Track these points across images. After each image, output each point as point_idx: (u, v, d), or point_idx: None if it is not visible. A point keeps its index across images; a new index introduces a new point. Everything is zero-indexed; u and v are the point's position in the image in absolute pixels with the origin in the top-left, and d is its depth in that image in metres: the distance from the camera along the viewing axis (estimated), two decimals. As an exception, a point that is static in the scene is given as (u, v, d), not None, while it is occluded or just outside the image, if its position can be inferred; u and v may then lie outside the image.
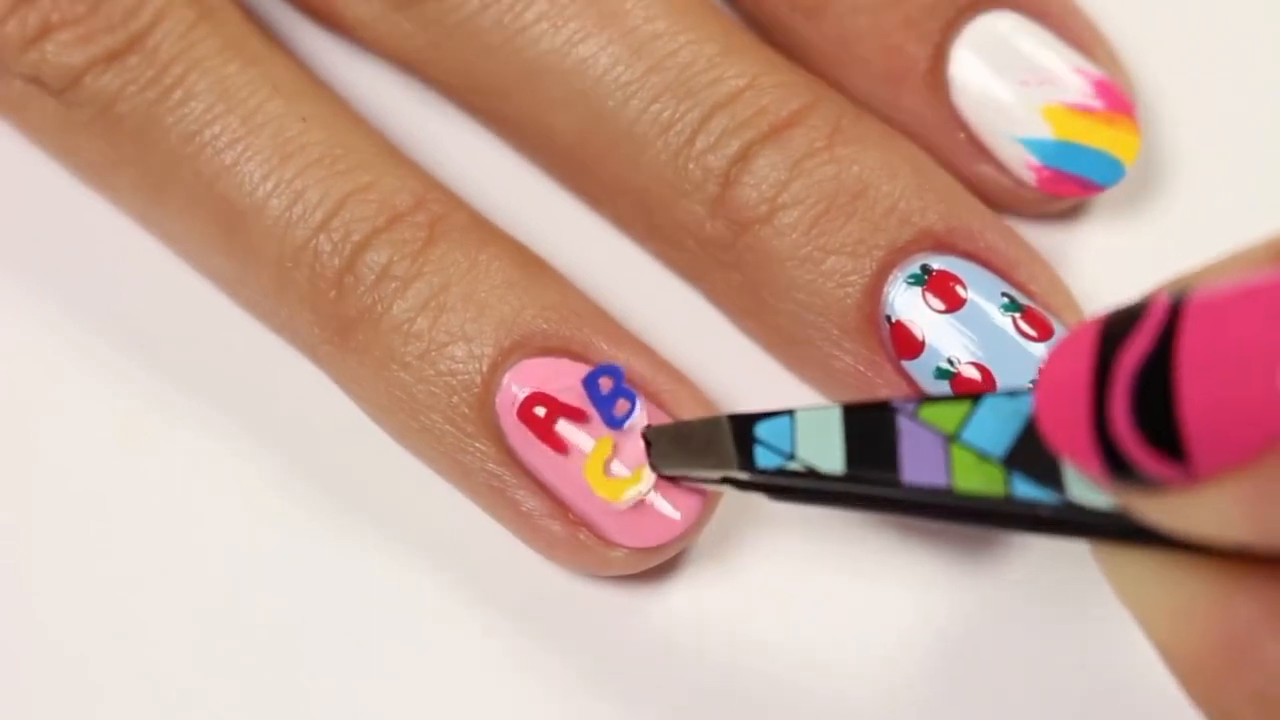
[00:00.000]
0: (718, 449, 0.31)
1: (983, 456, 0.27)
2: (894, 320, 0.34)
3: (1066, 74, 0.36)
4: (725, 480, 0.31)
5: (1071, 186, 0.36)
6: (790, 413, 0.30)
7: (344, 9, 0.37)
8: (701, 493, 0.33)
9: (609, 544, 0.33)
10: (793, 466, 0.29)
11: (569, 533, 0.33)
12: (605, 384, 0.34)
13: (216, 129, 0.35)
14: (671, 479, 0.33)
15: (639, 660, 0.34)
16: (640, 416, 0.34)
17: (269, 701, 0.35)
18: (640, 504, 0.33)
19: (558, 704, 0.34)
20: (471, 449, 0.34)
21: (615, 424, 0.33)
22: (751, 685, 0.34)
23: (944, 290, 0.34)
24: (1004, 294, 0.34)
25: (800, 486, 0.30)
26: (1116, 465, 0.24)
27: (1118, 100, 0.36)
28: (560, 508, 0.33)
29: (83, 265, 0.38)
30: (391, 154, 0.36)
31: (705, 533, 0.34)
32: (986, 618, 0.34)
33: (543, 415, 0.34)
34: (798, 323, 0.35)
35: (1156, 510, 0.25)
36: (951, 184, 0.35)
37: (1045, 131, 0.36)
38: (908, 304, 0.34)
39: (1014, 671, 0.34)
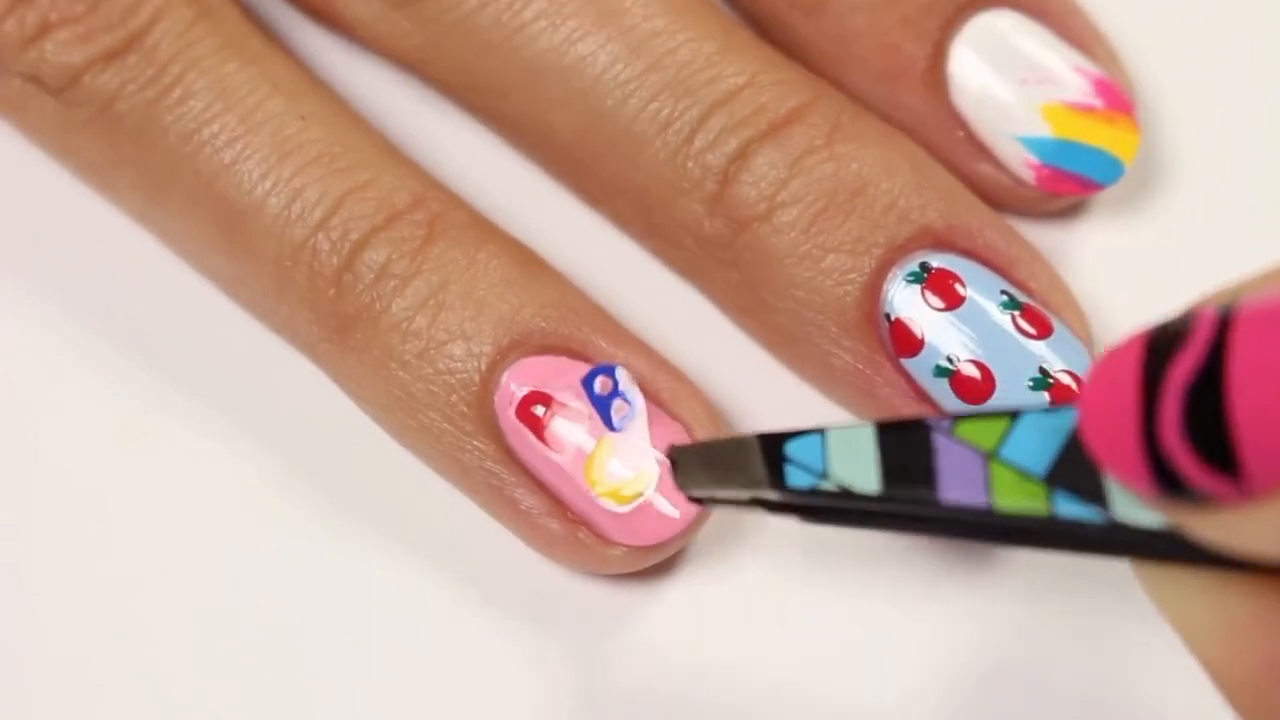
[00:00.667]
0: (747, 468, 0.29)
1: (1023, 474, 0.26)
2: (893, 318, 0.34)
3: (1066, 72, 0.36)
4: (755, 502, 0.30)
5: (1071, 185, 0.36)
6: (821, 431, 0.29)
7: (342, 8, 0.37)
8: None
9: (608, 542, 0.33)
10: (826, 486, 0.28)
11: (568, 531, 0.33)
12: (603, 385, 0.34)
13: (215, 128, 0.35)
14: (699, 501, 0.32)
15: (638, 659, 0.34)
16: (639, 419, 0.34)
17: (269, 702, 0.35)
18: (639, 502, 0.33)
19: (557, 703, 0.34)
20: (470, 447, 0.34)
21: (614, 427, 0.33)
22: (750, 684, 0.34)
23: (943, 288, 0.34)
24: (1003, 292, 0.34)
25: (834, 507, 0.28)
26: (1167, 481, 0.24)
27: (1117, 99, 0.36)
28: (559, 506, 0.33)
29: (83, 265, 0.38)
30: (390, 152, 0.36)
31: (703, 531, 0.34)
32: (987, 619, 0.34)
33: (541, 414, 0.34)
34: (797, 321, 0.35)
35: (1209, 527, 0.24)
36: (951, 182, 0.35)
37: (1044, 130, 0.36)
38: (907, 302, 0.34)
39: (1015, 673, 0.34)
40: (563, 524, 0.33)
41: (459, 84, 0.37)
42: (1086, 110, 0.36)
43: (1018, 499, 0.26)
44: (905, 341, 0.34)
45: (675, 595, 0.35)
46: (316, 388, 0.36)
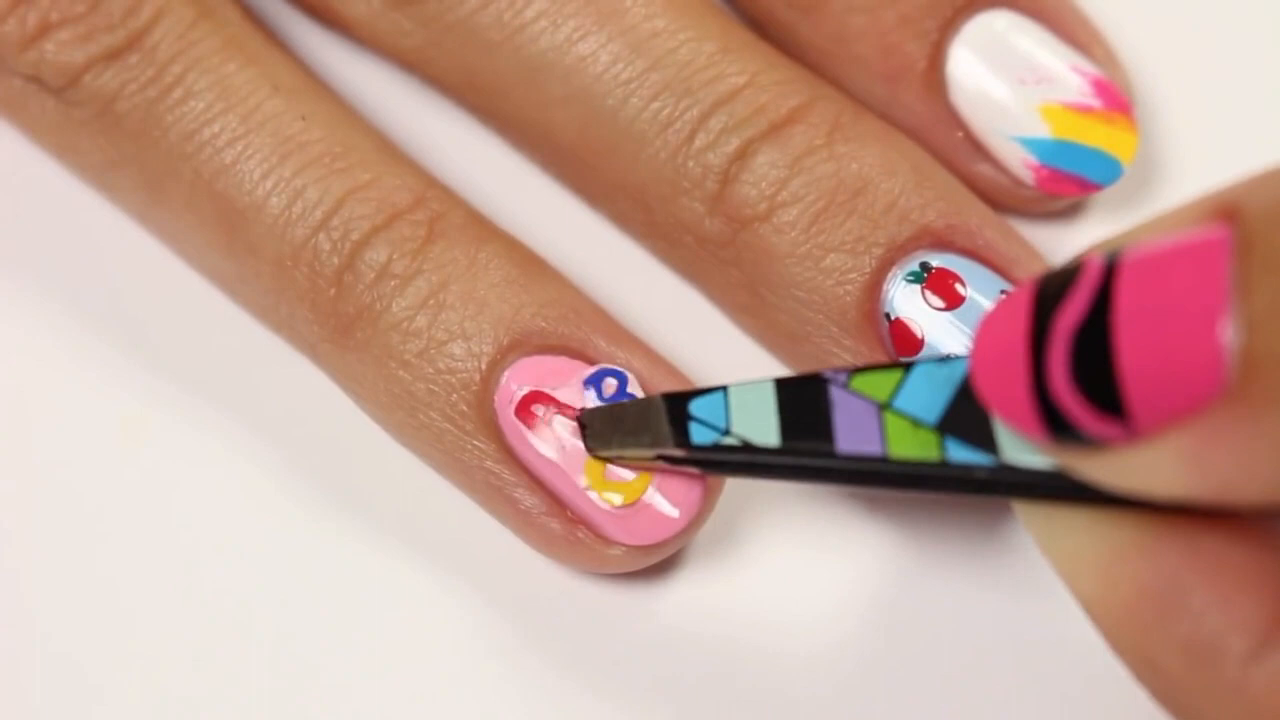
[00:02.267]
0: (653, 428, 0.31)
1: (916, 423, 0.28)
2: (893, 318, 0.34)
3: (1064, 73, 0.36)
4: (660, 458, 0.31)
5: (1069, 185, 0.36)
6: (723, 389, 0.30)
7: (342, 8, 0.37)
8: (700, 490, 0.33)
9: (607, 542, 0.33)
10: (728, 442, 0.30)
11: (567, 530, 0.33)
12: (609, 387, 0.34)
13: (216, 128, 0.35)
14: (607, 460, 0.33)
15: (639, 658, 0.34)
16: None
17: (269, 701, 0.35)
18: (638, 502, 0.33)
19: (558, 703, 0.34)
20: (470, 447, 0.34)
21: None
22: (751, 682, 0.34)
23: (943, 288, 0.34)
24: (1002, 291, 0.34)
25: (736, 461, 0.30)
26: (1056, 426, 0.25)
27: (1115, 99, 0.36)
28: (558, 505, 0.33)
29: (83, 265, 0.38)
30: (391, 152, 0.36)
31: (703, 531, 0.34)
32: (995, 615, 0.34)
33: (541, 413, 0.34)
34: (797, 320, 0.35)
35: (1097, 469, 0.25)
36: (950, 181, 0.35)
37: (1043, 130, 0.36)
38: (907, 301, 0.34)
39: (1019, 662, 0.34)
40: (562, 523, 0.33)
41: (459, 83, 0.37)
42: (1085, 110, 0.36)
43: (911, 447, 0.28)
44: (905, 341, 0.34)
45: (675, 595, 0.35)
46: (316, 388, 0.36)
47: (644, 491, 0.33)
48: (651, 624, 0.35)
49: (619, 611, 0.35)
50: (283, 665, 0.35)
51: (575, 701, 0.34)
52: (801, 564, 0.35)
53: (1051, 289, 0.25)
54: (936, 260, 0.34)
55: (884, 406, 0.28)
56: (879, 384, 0.28)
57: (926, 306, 0.34)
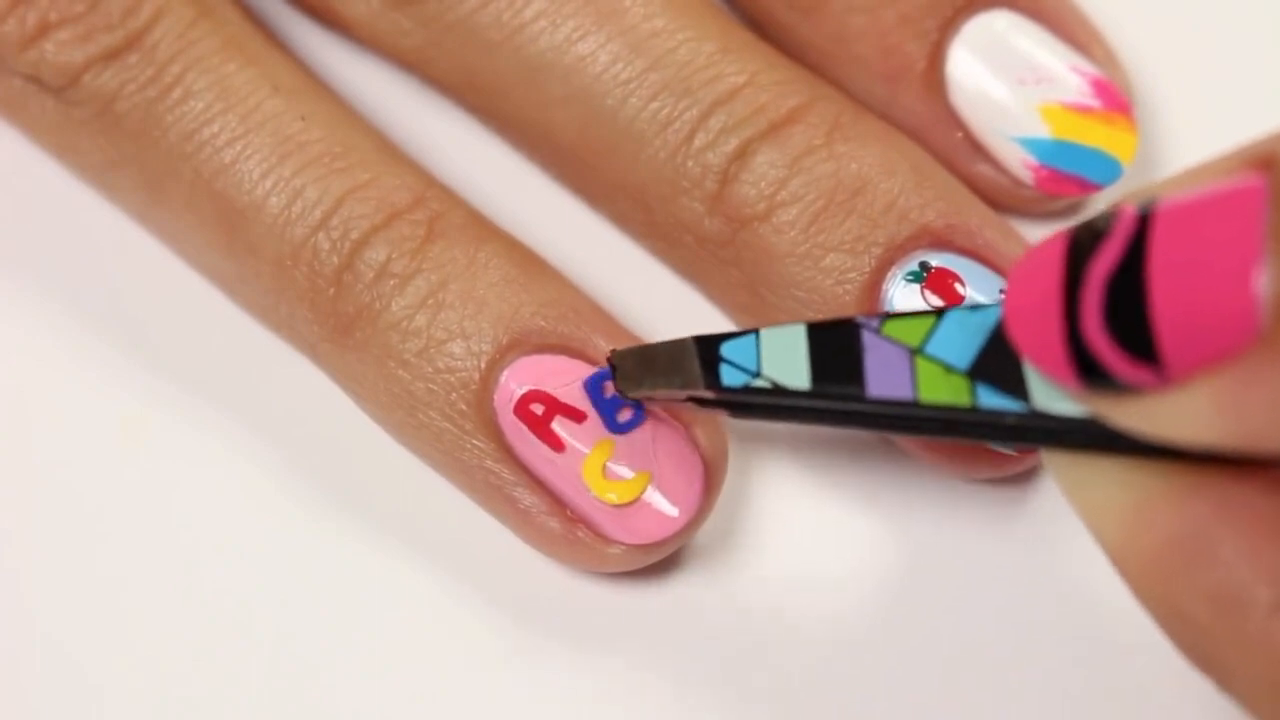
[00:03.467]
0: (684, 369, 0.31)
1: (948, 368, 0.28)
2: (893, 318, 0.34)
3: (1064, 73, 0.36)
4: (691, 399, 0.31)
5: (1069, 186, 0.36)
6: (755, 331, 0.30)
7: (342, 8, 0.37)
8: (700, 488, 0.33)
9: (607, 541, 0.33)
10: (758, 384, 0.30)
11: (567, 529, 0.33)
12: (609, 388, 0.34)
13: (216, 127, 0.35)
14: (636, 401, 0.33)
15: (639, 658, 0.34)
16: (645, 423, 0.34)
17: (269, 701, 0.35)
18: (638, 501, 0.33)
19: (557, 702, 0.34)
20: (470, 446, 0.34)
21: (618, 429, 0.34)
22: (751, 682, 0.34)
23: (942, 287, 0.34)
24: (1002, 291, 0.34)
25: (765, 403, 0.30)
26: (1089, 372, 0.25)
27: (1115, 99, 0.36)
28: (558, 504, 0.33)
29: (83, 265, 0.38)
30: (390, 152, 0.36)
31: (703, 531, 0.34)
32: (995, 611, 0.34)
33: (540, 413, 0.34)
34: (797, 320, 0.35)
35: (1130, 415, 0.25)
36: (950, 181, 0.35)
37: (1043, 131, 0.36)
38: (906, 301, 0.34)
39: (1023, 657, 0.34)
40: (562, 522, 0.33)
41: (459, 83, 0.37)
42: (1084, 111, 0.36)
43: (941, 392, 0.28)
44: (904, 340, 0.34)
45: (675, 595, 0.35)
46: (316, 388, 0.36)
47: (643, 490, 0.33)
48: (651, 624, 0.35)
49: (619, 611, 0.35)
50: (283, 665, 0.35)
51: (575, 701, 0.34)
52: (802, 563, 0.35)
53: (1086, 237, 0.25)
54: (936, 260, 0.34)
55: (915, 352, 0.28)
56: (911, 329, 0.28)
57: (926, 306, 0.34)
